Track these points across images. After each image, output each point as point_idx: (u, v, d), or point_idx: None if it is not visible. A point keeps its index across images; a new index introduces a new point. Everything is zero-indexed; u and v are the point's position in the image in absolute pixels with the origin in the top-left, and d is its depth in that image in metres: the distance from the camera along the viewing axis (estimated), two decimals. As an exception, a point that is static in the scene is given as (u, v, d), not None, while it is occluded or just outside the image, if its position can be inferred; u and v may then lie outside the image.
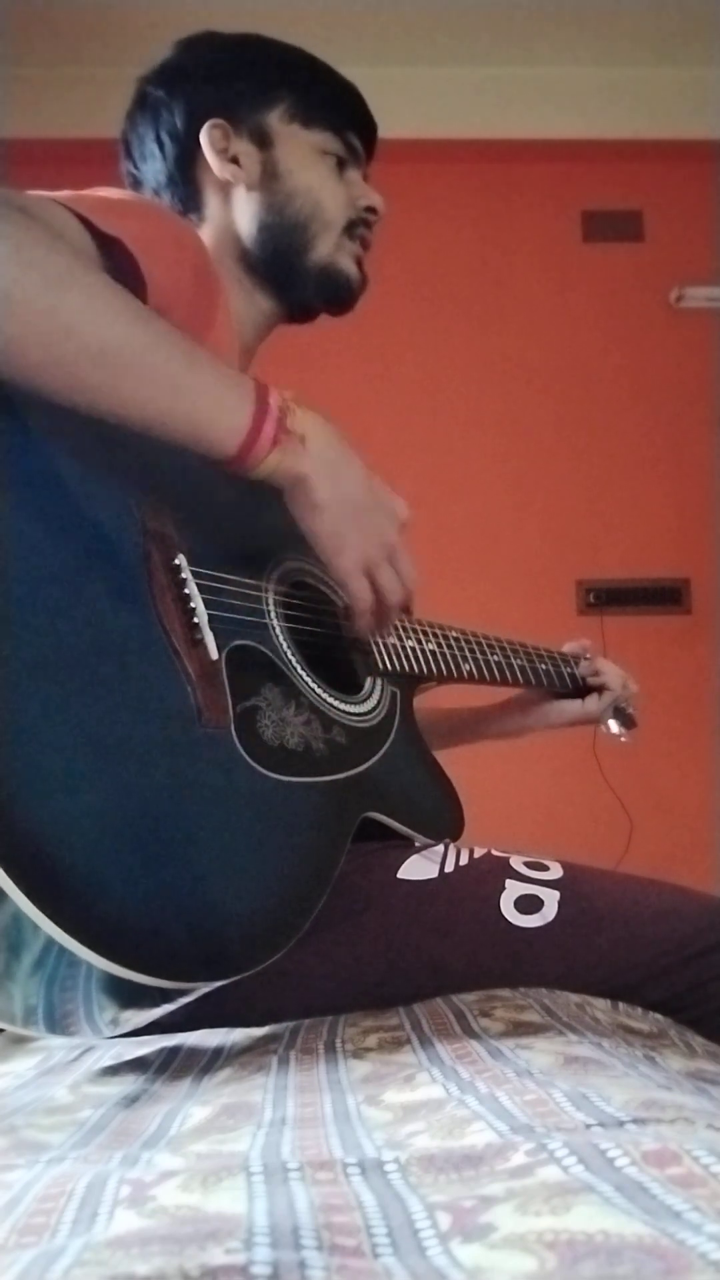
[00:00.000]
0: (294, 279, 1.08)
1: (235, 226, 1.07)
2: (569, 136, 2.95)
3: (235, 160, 1.06)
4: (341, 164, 1.09)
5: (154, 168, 1.09)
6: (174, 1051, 0.82)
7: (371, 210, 1.10)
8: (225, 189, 1.07)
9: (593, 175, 3.04)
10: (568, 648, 1.28)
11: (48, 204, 0.77)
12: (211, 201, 1.07)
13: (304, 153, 1.07)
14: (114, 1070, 0.79)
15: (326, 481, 0.80)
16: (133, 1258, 0.34)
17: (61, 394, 0.69)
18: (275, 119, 1.07)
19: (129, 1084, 0.73)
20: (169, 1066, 0.78)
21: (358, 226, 1.10)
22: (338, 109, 1.09)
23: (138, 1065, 0.79)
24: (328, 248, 1.08)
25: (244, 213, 1.06)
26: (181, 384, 0.73)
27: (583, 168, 3.04)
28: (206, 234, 1.07)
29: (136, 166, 1.11)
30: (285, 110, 1.07)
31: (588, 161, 3.03)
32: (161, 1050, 0.83)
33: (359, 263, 1.11)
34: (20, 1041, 0.93)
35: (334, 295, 1.10)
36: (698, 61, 2.87)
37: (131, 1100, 0.68)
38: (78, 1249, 0.35)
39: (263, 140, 1.06)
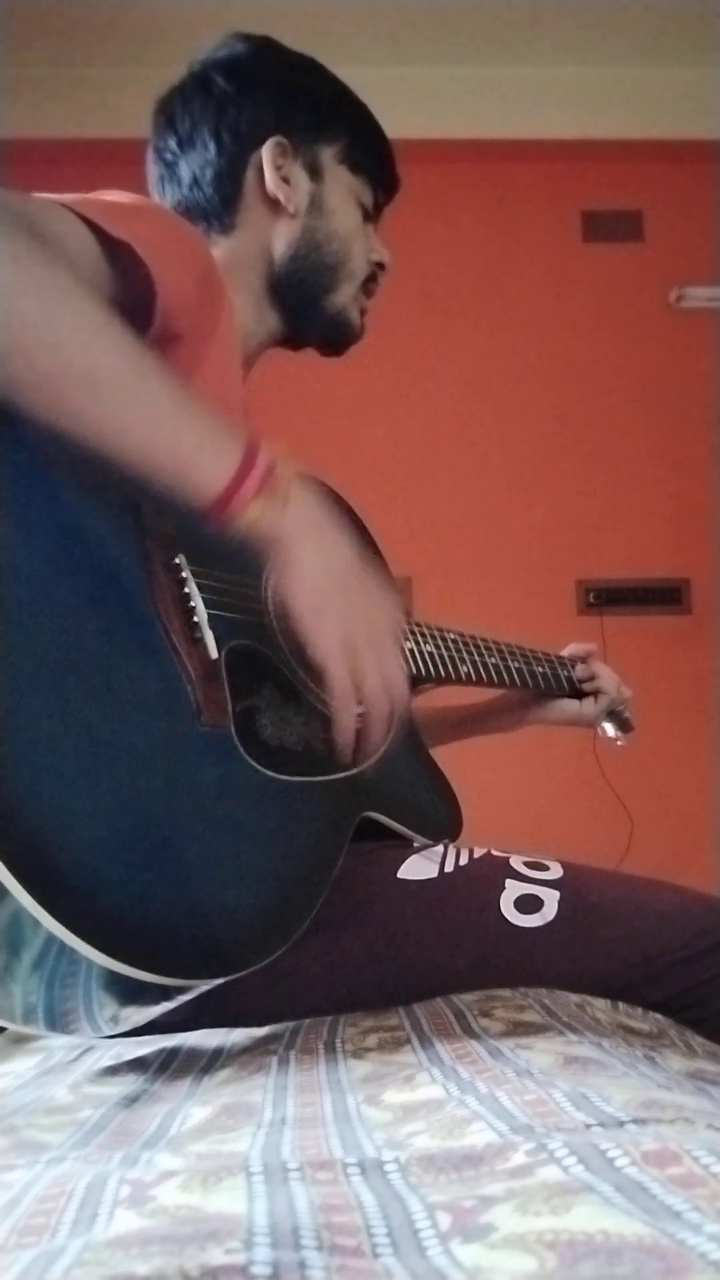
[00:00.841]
0: (307, 314, 1.09)
1: (270, 246, 1.06)
2: (569, 136, 2.96)
3: (286, 181, 1.06)
4: (364, 216, 1.10)
5: (201, 158, 1.06)
6: (174, 1051, 0.82)
7: (380, 266, 1.12)
8: (270, 206, 1.06)
9: (593, 175, 3.04)
10: (570, 650, 1.28)
11: (54, 209, 0.76)
12: (251, 212, 1.06)
13: (346, 196, 1.08)
14: (114, 1070, 0.79)
15: (308, 544, 0.76)
16: (133, 1258, 0.34)
17: (45, 414, 0.68)
18: (329, 155, 1.07)
19: (129, 1084, 0.73)
20: (169, 1066, 0.78)
21: (369, 281, 1.12)
22: (378, 162, 1.11)
23: (138, 1065, 0.79)
24: (346, 296, 1.10)
25: (282, 236, 1.06)
26: (165, 419, 0.71)
27: (583, 168, 3.04)
28: (235, 241, 1.06)
29: (180, 147, 1.07)
30: (339, 150, 1.07)
31: (588, 161, 3.03)
32: (161, 1050, 0.83)
33: (362, 314, 1.13)
34: (20, 1041, 0.93)
35: (334, 341, 1.13)
36: (698, 61, 2.87)
37: (131, 1100, 0.68)
38: (78, 1249, 0.35)
39: (315, 171, 1.07)
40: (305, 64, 1.10)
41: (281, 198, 1.05)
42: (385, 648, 0.79)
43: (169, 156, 1.08)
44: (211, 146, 1.06)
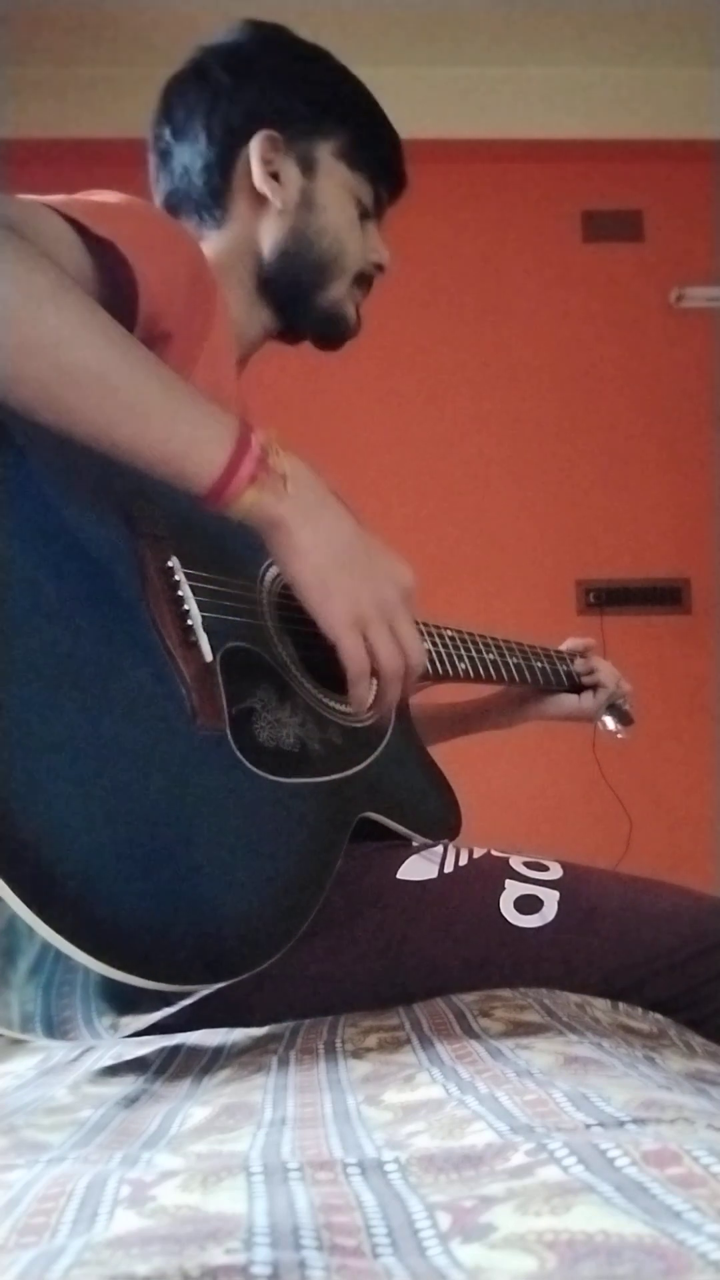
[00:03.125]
0: (298, 309, 1.08)
1: (258, 241, 1.05)
2: (569, 136, 2.95)
3: (275, 176, 1.04)
4: (363, 213, 1.09)
5: (193, 149, 1.06)
6: (174, 1051, 0.82)
7: (378, 267, 1.11)
8: (258, 200, 1.05)
9: (593, 175, 3.04)
10: (568, 644, 1.28)
11: (38, 209, 0.76)
12: (240, 206, 1.05)
13: (341, 193, 1.06)
14: (114, 1070, 0.79)
15: (308, 525, 0.76)
16: (133, 1258, 0.34)
17: (35, 412, 0.68)
18: (325, 150, 1.05)
19: (129, 1084, 0.73)
20: (169, 1066, 0.78)
21: (364, 280, 1.11)
22: (383, 159, 1.08)
23: (138, 1065, 0.79)
24: (339, 292, 1.08)
25: (270, 232, 1.05)
26: (157, 410, 0.71)
27: (583, 168, 3.04)
28: (225, 236, 1.06)
29: (174, 136, 1.07)
30: (337, 146, 1.05)
31: (588, 161, 3.03)
32: (161, 1050, 0.83)
33: (357, 309, 1.12)
34: (20, 1041, 0.93)
35: (328, 335, 1.11)
36: (698, 61, 2.87)
37: (131, 1100, 0.68)
38: (78, 1249, 0.35)
39: (307, 167, 1.05)
40: (311, 55, 1.08)
41: (268, 193, 1.04)
42: (397, 613, 0.81)
43: (163, 145, 1.08)
44: (202, 138, 1.05)
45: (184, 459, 0.72)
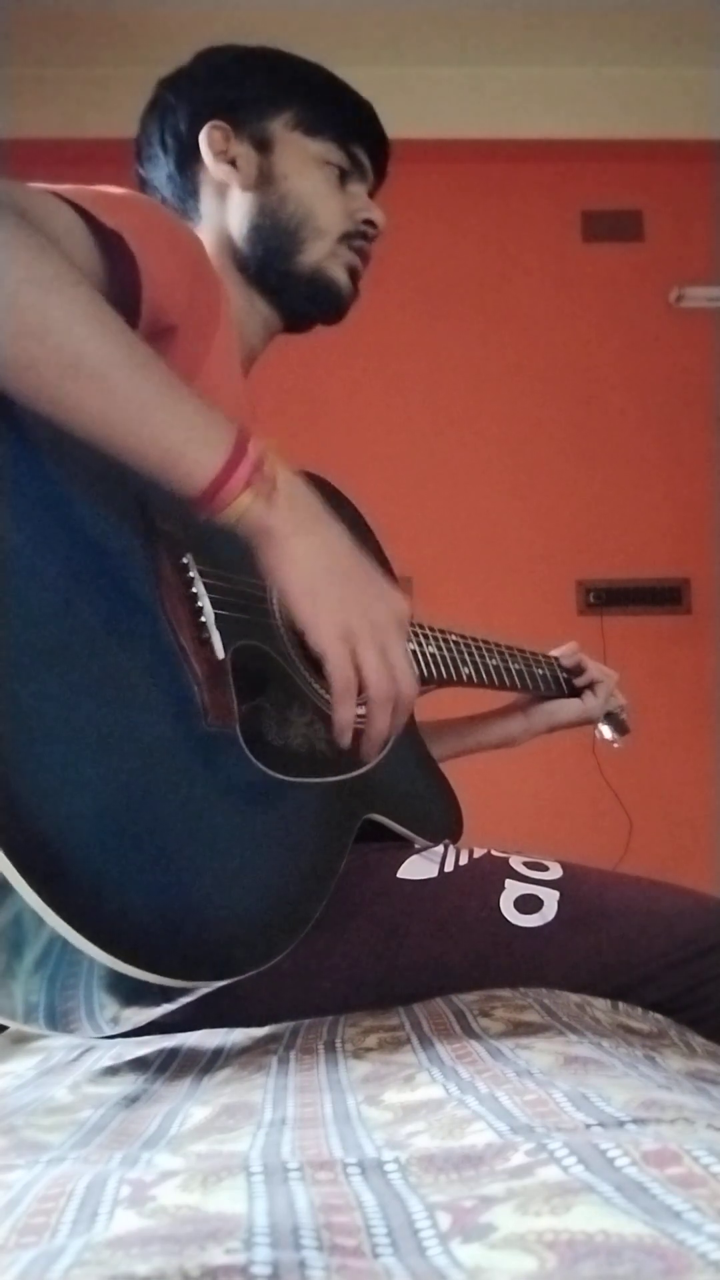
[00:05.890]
0: (283, 282, 1.07)
1: (228, 227, 1.07)
2: (569, 136, 2.95)
3: (233, 162, 1.06)
4: (345, 176, 1.08)
5: (157, 167, 1.10)
6: (174, 1051, 0.82)
7: (370, 224, 1.09)
8: (221, 190, 1.07)
9: (593, 175, 3.04)
10: (556, 652, 1.28)
11: (47, 198, 0.76)
12: (207, 201, 1.08)
13: (303, 160, 1.06)
14: (114, 1070, 0.79)
15: (300, 534, 0.75)
16: (133, 1258, 0.34)
17: (32, 401, 0.68)
18: (278, 125, 1.06)
19: (129, 1084, 0.73)
20: (169, 1066, 0.78)
21: (355, 238, 1.09)
22: (344, 120, 1.08)
23: (138, 1065, 0.79)
24: (318, 254, 1.06)
25: (237, 213, 1.06)
26: (154, 408, 0.70)
27: (583, 168, 3.04)
28: (202, 235, 1.06)
29: (142, 164, 1.12)
30: (290, 118, 1.06)
31: (588, 161, 3.03)
32: (161, 1050, 0.83)
33: (354, 274, 1.10)
34: (20, 1041, 0.93)
35: (322, 302, 1.09)
36: (698, 61, 2.87)
37: (131, 1100, 0.68)
38: (78, 1249, 0.35)
39: (262, 145, 1.06)
40: (251, 51, 1.10)
41: (224, 177, 1.06)
42: (389, 636, 0.78)
43: (140, 179, 1.13)
44: (161, 153, 1.09)
45: (179, 460, 0.71)
